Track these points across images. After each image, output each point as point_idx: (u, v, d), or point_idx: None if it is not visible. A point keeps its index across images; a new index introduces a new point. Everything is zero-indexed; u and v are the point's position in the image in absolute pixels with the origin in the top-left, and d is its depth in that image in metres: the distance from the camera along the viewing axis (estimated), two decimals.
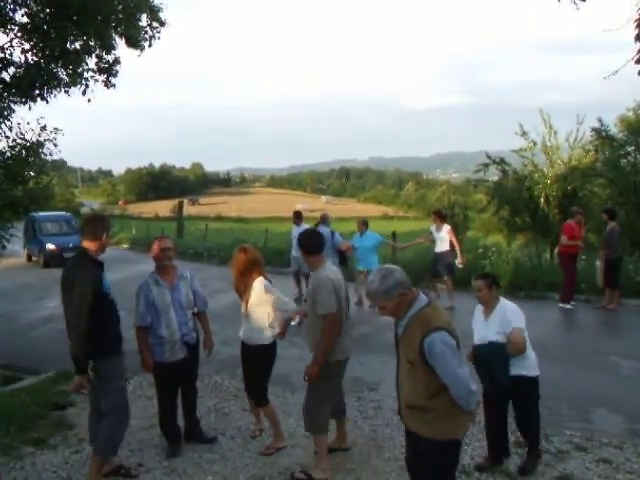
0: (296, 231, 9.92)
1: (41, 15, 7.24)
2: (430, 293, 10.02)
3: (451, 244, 9.79)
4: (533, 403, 4.19)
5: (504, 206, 18.03)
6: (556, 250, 10.82)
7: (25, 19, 7.36)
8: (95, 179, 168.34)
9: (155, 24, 8.15)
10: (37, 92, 7.76)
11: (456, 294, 9.74)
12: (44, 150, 8.37)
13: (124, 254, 21.87)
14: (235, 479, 4.19)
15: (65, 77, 7.81)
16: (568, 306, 9.67)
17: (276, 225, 34.22)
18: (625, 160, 17.69)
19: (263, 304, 4.52)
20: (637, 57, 3.15)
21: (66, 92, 7.98)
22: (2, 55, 7.53)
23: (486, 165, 18.29)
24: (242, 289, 4.61)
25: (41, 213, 18.70)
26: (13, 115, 8.00)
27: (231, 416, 5.39)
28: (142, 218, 59.48)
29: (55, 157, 8.93)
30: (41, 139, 8.28)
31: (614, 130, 17.97)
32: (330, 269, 4.17)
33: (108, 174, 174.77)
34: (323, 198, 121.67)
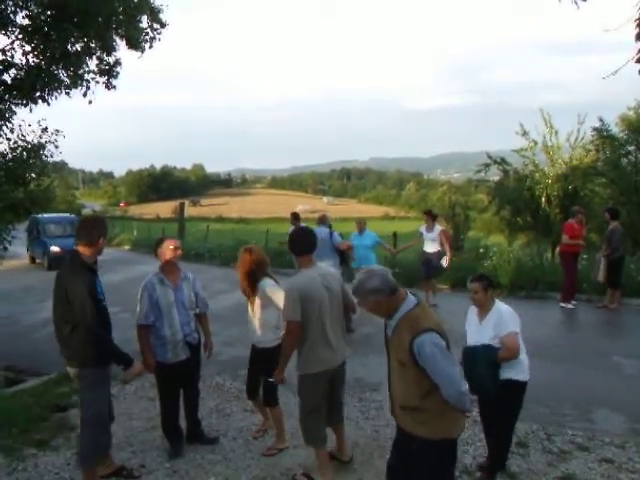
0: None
1: (42, 17, 7.26)
2: (427, 294, 10.06)
3: (443, 245, 9.79)
4: (514, 409, 3.97)
5: (505, 206, 18.05)
6: (557, 249, 10.84)
7: (26, 21, 7.39)
8: (96, 181, 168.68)
9: (156, 25, 8.18)
10: (38, 94, 7.77)
11: (453, 295, 9.79)
12: (45, 152, 8.38)
13: (126, 255, 21.90)
14: None
15: (66, 79, 7.83)
16: (569, 306, 9.66)
17: (277, 226, 34.24)
18: (626, 159, 17.68)
19: (269, 305, 4.48)
20: (637, 56, 3.15)
21: (67, 94, 7.99)
22: (3, 57, 7.55)
23: (487, 165, 18.31)
24: (248, 290, 4.59)
25: (45, 215, 18.60)
26: (14, 117, 8.04)
27: (233, 417, 5.38)
28: (143, 219, 59.59)
29: (56, 159, 8.93)
30: (42, 141, 8.30)
31: (615, 129, 17.96)
32: (314, 274, 3.90)
33: (109, 176, 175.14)
34: (324, 199, 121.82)
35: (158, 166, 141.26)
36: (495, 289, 4.06)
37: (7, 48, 7.51)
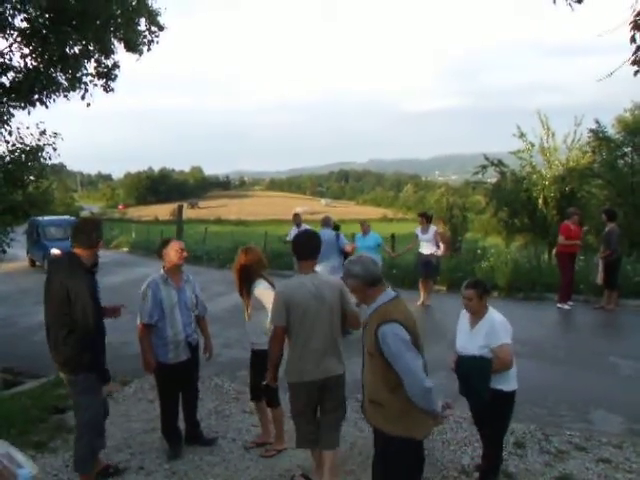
0: (294, 232, 10.07)
1: (40, 20, 7.26)
2: (427, 295, 10.15)
3: (438, 244, 10.01)
4: (505, 419, 3.90)
5: (502, 207, 18.09)
6: (554, 251, 10.91)
7: (24, 24, 7.38)
8: (94, 183, 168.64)
9: (154, 28, 8.19)
10: (36, 97, 7.77)
11: (448, 296, 9.85)
12: (43, 154, 8.36)
13: (124, 257, 21.88)
14: None
15: (64, 82, 7.82)
16: (566, 306, 9.71)
17: (276, 228, 34.25)
18: (622, 161, 17.77)
19: (263, 307, 4.44)
20: (632, 58, 3.18)
21: (65, 96, 7.99)
22: (1, 60, 7.54)
23: (484, 167, 18.37)
24: (242, 291, 4.59)
25: (45, 217, 18.48)
26: (12, 120, 8.02)
27: (232, 418, 5.39)
28: (142, 222, 59.57)
29: (54, 161, 8.93)
30: (40, 143, 8.28)
31: (611, 131, 18.08)
32: (306, 281, 3.73)
33: (107, 178, 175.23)
34: (322, 201, 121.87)
35: (156, 168, 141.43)
36: (490, 294, 3.93)
37: (5, 51, 7.51)
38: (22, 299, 12.47)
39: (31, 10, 7.14)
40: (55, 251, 17.85)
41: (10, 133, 8.08)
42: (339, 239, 8.46)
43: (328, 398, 3.81)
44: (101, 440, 4.02)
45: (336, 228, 9.09)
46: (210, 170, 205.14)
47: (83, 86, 7.94)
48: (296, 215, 11.59)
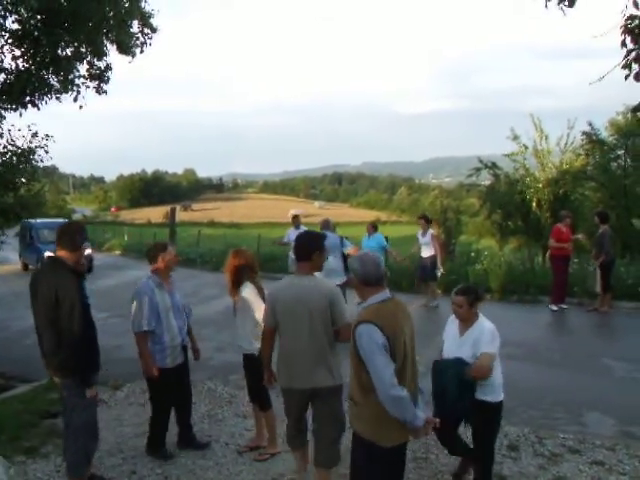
0: (293, 233, 10.11)
1: (32, 21, 7.22)
2: (428, 297, 10.21)
3: (435, 249, 10.14)
4: (492, 432, 3.78)
5: (496, 210, 18.14)
6: (548, 253, 10.98)
7: (16, 25, 7.34)
8: (87, 185, 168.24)
9: (146, 30, 8.16)
10: (28, 99, 7.73)
11: (442, 300, 9.88)
12: (35, 157, 8.33)
13: (117, 260, 21.83)
14: None
15: (56, 84, 7.78)
16: (554, 307, 9.83)
17: (269, 230, 34.24)
18: (615, 164, 17.87)
19: (249, 311, 4.40)
20: (624, 62, 3.20)
21: (57, 99, 7.95)
22: None
23: (478, 169, 18.43)
24: (231, 293, 4.57)
25: (38, 220, 18.36)
26: (4, 122, 7.99)
27: (225, 422, 5.36)
28: (134, 224, 59.42)
29: (46, 163, 8.91)
30: (32, 146, 8.25)
31: (604, 134, 18.15)
32: (295, 282, 3.62)
33: (100, 180, 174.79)
34: (316, 203, 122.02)
35: (149, 171, 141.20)
36: (481, 301, 3.76)
37: None
38: (14, 302, 12.37)
39: (23, 11, 7.09)
40: (49, 254, 17.73)
41: (1, 135, 8.06)
42: (343, 242, 8.50)
43: (320, 409, 3.63)
44: (95, 443, 4.00)
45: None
46: (203, 172, 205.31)
47: (75, 88, 7.90)
48: (295, 217, 11.62)
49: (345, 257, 8.48)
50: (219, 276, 14.76)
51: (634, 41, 3.20)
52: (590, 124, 17.37)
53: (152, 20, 8.15)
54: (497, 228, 19.36)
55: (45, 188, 13.59)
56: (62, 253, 3.79)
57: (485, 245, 19.91)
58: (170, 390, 4.58)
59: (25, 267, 19.83)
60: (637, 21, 3.16)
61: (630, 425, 5.08)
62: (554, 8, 3.40)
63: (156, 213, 74.56)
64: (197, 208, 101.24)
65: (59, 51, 7.52)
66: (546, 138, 17.34)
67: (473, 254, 14.32)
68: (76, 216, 64.95)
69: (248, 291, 4.43)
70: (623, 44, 3.20)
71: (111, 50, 8.01)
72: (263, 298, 4.29)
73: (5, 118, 7.94)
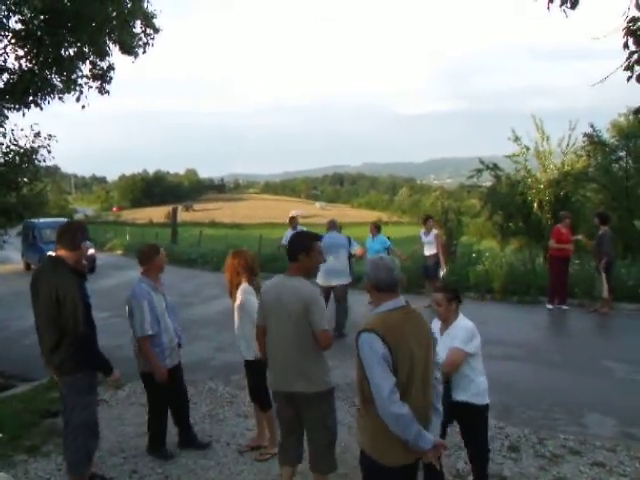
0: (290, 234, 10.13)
1: (35, 22, 7.23)
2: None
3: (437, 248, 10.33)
4: (481, 433, 3.71)
5: (497, 211, 18.10)
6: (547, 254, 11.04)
7: (19, 25, 7.35)
8: (89, 185, 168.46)
9: (149, 31, 8.17)
10: (31, 99, 7.74)
11: None
12: (38, 156, 8.34)
13: (118, 260, 21.85)
14: None
15: (59, 84, 7.79)
16: (550, 306, 9.93)
17: (270, 231, 34.24)
18: (617, 165, 17.85)
19: (246, 313, 4.38)
20: (626, 64, 3.20)
21: (60, 99, 7.96)
22: None
23: (479, 170, 18.38)
24: (232, 295, 4.56)
25: (41, 220, 18.34)
26: (7, 122, 8.00)
27: (226, 422, 5.37)
28: (136, 224, 59.43)
29: (49, 163, 8.90)
30: (35, 145, 8.26)
31: (606, 135, 18.14)
32: (280, 282, 3.54)
33: (102, 180, 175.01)
34: (317, 204, 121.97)
35: (151, 171, 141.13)
36: (460, 302, 3.71)
37: (0, 52, 7.49)
38: (15, 302, 12.39)
39: (26, 12, 7.11)
40: (52, 254, 17.71)
41: (4, 135, 8.07)
42: (351, 243, 8.52)
43: (306, 416, 3.54)
44: (96, 441, 4.01)
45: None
46: (205, 173, 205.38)
47: (78, 88, 7.91)
48: (293, 218, 11.64)
49: (351, 257, 8.52)
50: (220, 276, 14.72)
51: (636, 43, 3.20)
52: (592, 125, 17.36)
53: (155, 20, 8.17)
54: (498, 229, 19.33)
55: (47, 188, 13.57)
56: (62, 252, 3.79)
57: (486, 246, 19.90)
58: (168, 390, 4.60)
59: (27, 267, 19.80)
60: (639, 23, 3.16)
61: (630, 426, 5.09)
62: (556, 10, 3.41)
63: (158, 213, 74.52)
64: (199, 208, 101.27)
65: (62, 51, 7.53)
66: (547, 139, 17.31)
67: (474, 255, 14.32)
68: (78, 216, 64.94)
69: (244, 293, 4.43)
70: (625, 46, 3.21)
71: (114, 50, 8.03)
72: None
73: (8, 118, 7.96)
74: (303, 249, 3.51)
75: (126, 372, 4.79)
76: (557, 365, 6.94)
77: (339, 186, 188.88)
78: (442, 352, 3.47)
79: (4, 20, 7.25)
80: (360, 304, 8.85)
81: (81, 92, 7.95)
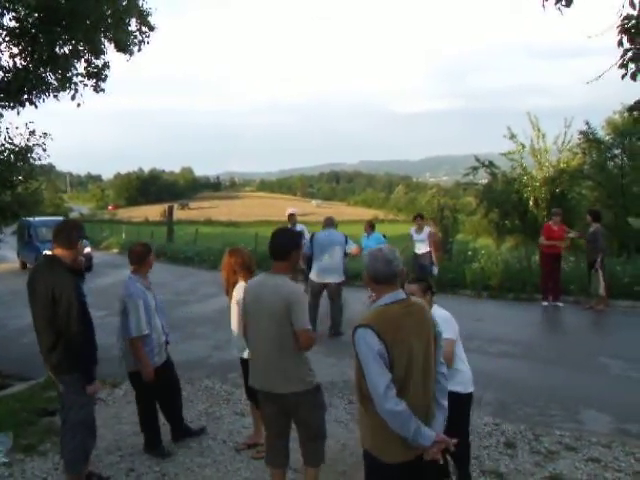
0: None
1: (29, 19, 7.21)
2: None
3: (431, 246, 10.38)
4: (463, 422, 3.74)
5: (493, 209, 18.15)
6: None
7: (13, 23, 7.33)
8: (84, 184, 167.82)
9: (144, 29, 8.15)
10: (26, 97, 7.70)
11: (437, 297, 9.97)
12: (33, 155, 8.31)
13: (114, 259, 21.80)
14: None
15: (54, 82, 7.76)
16: (545, 303, 10.01)
17: (266, 229, 34.21)
18: (612, 163, 17.91)
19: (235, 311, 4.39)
20: (620, 62, 3.22)
21: (55, 97, 7.94)
22: None
23: (475, 168, 18.42)
24: (229, 294, 4.56)
25: (37, 218, 18.27)
26: (2, 120, 7.97)
27: (222, 420, 5.37)
28: (132, 223, 59.32)
29: (44, 162, 8.87)
30: (30, 144, 8.22)
31: (601, 133, 18.20)
32: (263, 280, 3.47)
33: (97, 179, 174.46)
34: (313, 202, 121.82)
35: (146, 169, 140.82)
36: (434, 293, 3.78)
37: None
38: (12, 301, 12.36)
39: (20, 9, 7.08)
40: (48, 253, 17.63)
41: None
42: (347, 241, 8.52)
43: (293, 415, 3.54)
44: (93, 440, 4.01)
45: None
46: (200, 171, 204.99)
47: (73, 86, 7.88)
48: (291, 215, 11.57)
49: (345, 256, 8.51)
50: (216, 274, 14.69)
51: (631, 41, 3.22)
52: (587, 123, 17.41)
53: (150, 18, 8.15)
54: (494, 227, 19.37)
55: (42, 186, 13.56)
56: (59, 251, 3.79)
57: (482, 244, 19.93)
58: (158, 389, 4.61)
59: (23, 265, 19.73)
60: (634, 21, 3.17)
61: (626, 422, 5.11)
62: (551, 8, 3.42)
63: (153, 211, 74.34)
64: (194, 206, 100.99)
65: (57, 49, 7.50)
66: (543, 137, 17.35)
67: (470, 253, 14.36)
68: (73, 214, 64.81)
69: (239, 292, 4.38)
70: (620, 43, 3.23)
71: (109, 48, 8.01)
72: None
73: (3, 116, 7.92)
74: (294, 246, 3.47)
75: (123, 370, 4.79)
76: (553, 362, 6.97)
77: (335, 184, 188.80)
78: None
79: None
80: (357, 301, 8.85)
81: (76, 90, 7.92)
